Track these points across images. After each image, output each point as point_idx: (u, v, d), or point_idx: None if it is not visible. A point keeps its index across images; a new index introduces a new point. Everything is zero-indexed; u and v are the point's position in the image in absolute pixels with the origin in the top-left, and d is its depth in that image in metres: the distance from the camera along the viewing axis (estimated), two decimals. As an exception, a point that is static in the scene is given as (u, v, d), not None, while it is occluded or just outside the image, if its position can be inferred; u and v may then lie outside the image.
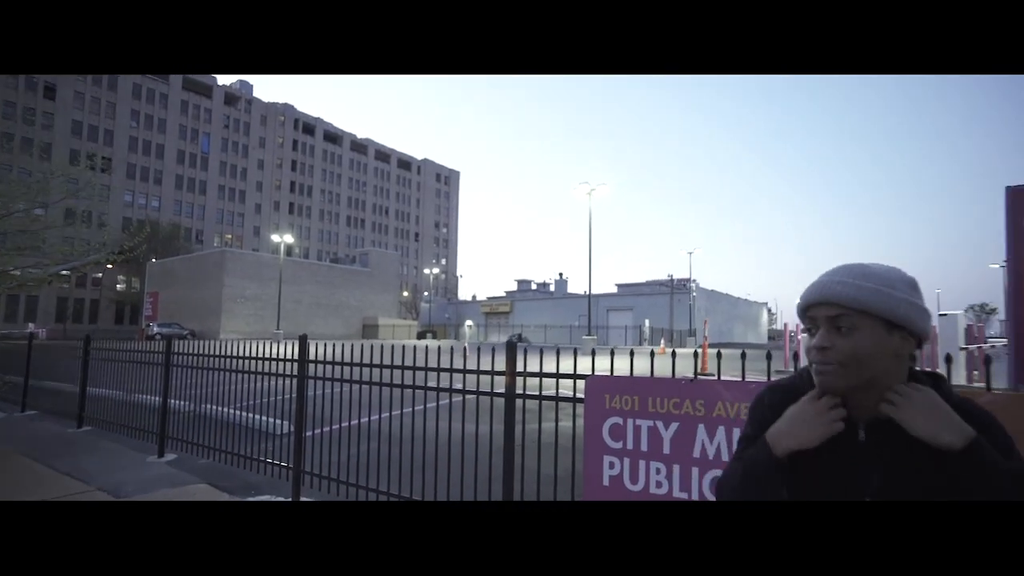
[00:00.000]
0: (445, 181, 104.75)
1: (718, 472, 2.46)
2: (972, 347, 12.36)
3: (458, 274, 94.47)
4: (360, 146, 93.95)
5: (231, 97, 77.97)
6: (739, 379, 2.57)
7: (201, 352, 5.70)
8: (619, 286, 62.58)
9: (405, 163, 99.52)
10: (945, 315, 12.87)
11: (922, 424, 0.94)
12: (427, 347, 4.50)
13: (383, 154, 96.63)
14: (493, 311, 64.00)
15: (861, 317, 0.98)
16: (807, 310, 1.05)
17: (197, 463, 5.39)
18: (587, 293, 25.85)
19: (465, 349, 4.91)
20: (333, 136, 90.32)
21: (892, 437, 0.98)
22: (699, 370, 13.90)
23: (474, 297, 75.57)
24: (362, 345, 4.88)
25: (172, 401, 5.91)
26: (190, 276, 48.60)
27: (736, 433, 2.44)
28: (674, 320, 46.86)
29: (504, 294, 72.77)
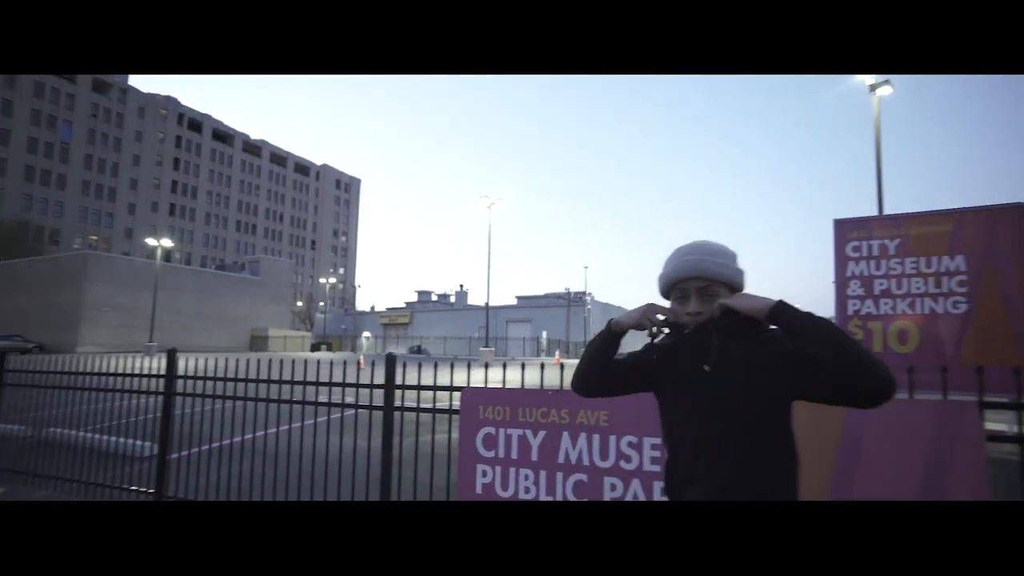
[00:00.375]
0: (345, 188, 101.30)
1: (582, 476, 2.67)
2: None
3: (356, 284, 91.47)
4: (253, 147, 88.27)
5: (101, 84, 70.11)
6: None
7: (45, 369, 5.09)
8: (519, 298, 63.82)
9: (303, 168, 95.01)
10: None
11: (745, 303, 1.29)
12: (319, 360, 4.36)
13: (279, 157, 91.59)
14: (392, 322, 62.62)
15: (719, 286, 1.35)
16: (677, 283, 1.39)
17: (32, 496, 4.77)
18: (486, 305, 26.15)
19: (359, 361, 4.83)
20: (223, 135, 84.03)
21: (727, 339, 1.33)
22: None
23: (372, 308, 73.46)
24: (246, 360, 4.64)
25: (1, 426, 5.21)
26: (40, 281, 42.68)
27: (597, 439, 2.67)
28: (570, 332, 48.60)
29: (404, 305, 71.48)
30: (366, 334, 63.55)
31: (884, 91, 12.41)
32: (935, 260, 7.10)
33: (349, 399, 3.65)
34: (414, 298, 71.34)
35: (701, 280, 1.35)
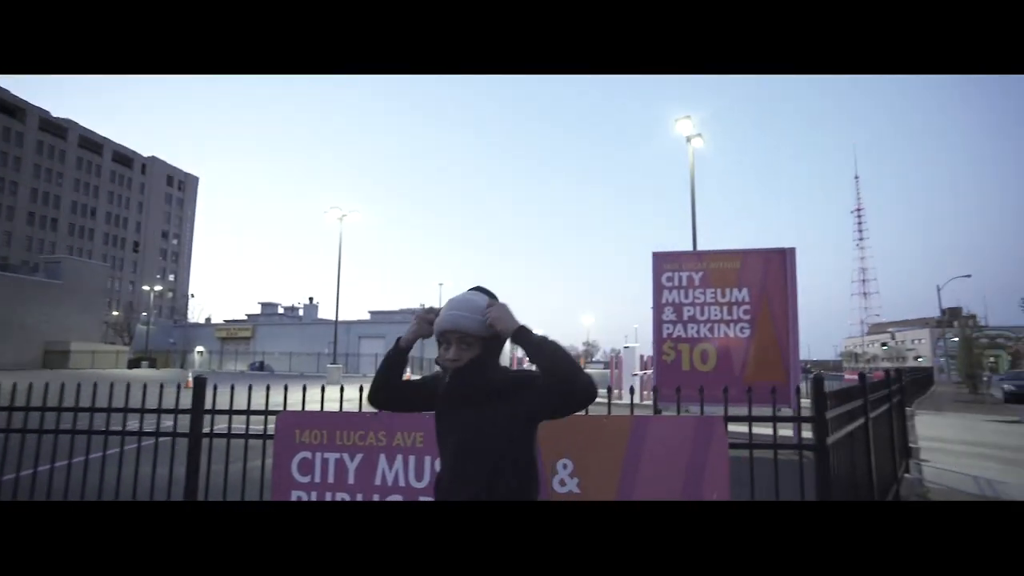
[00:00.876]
0: (179, 186, 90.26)
1: (397, 497, 2.72)
2: (643, 373, 15.73)
3: (190, 293, 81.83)
4: (55, 127, 74.76)
5: None
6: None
7: None
8: (372, 313, 61.97)
9: (125, 158, 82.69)
10: (627, 347, 16.15)
11: (500, 325, 1.57)
12: (129, 381, 3.83)
13: (92, 143, 78.73)
14: (231, 336, 56.90)
15: (475, 337, 1.60)
16: (442, 333, 1.63)
17: None
18: (335, 319, 25.05)
19: (188, 381, 4.35)
20: (10, 107, 70.22)
21: (475, 377, 1.61)
22: None
23: (208, 320, 66.16)
24: (28, 382, 3.94)
25: None
26: None
27: (412, 460, 2.75)
28: (424, 348, 48.29)
29: (245, 317, 65.52)
30: (199, 349, 56.98)
31: (697, 143, 14.38)
32: (728, 291, 8.40)
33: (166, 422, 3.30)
34: (257, 310, 65.65)
35: (457, 332, 1.60)
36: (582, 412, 1.71)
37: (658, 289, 8.47)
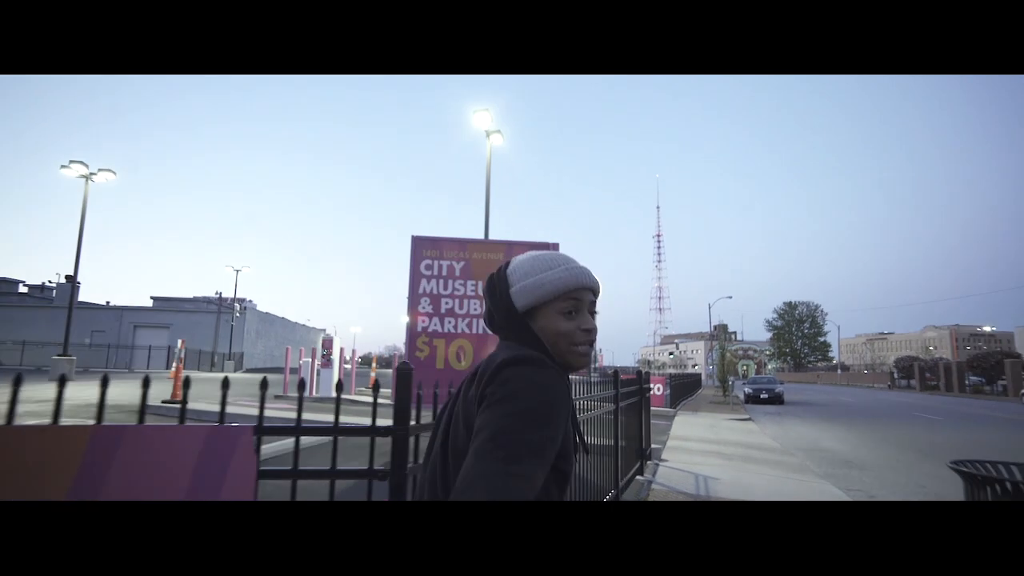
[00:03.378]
0: None
1: None
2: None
3: None
4: None
5: None
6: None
7: None
8: (155, 299, 52.99)
9: None
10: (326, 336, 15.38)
11: None
12: None
13: None
14: (-60, 319, 44.09)
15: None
16: (574, 291, 1.08)
17: None
18: (70, 301, 20.31)
19: None
20: None
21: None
22: (172, 397, 12.10)
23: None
24: None
25: None
26: None
27: None
28: (218, 342, 42.51)
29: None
30: None
31: (496, 140, 14.09)
32: None
33: None
34: (-11, 287, 51.74)
35: (592, 293, 1.14)
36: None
37: (415, 278, 7.58)
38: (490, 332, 6.38)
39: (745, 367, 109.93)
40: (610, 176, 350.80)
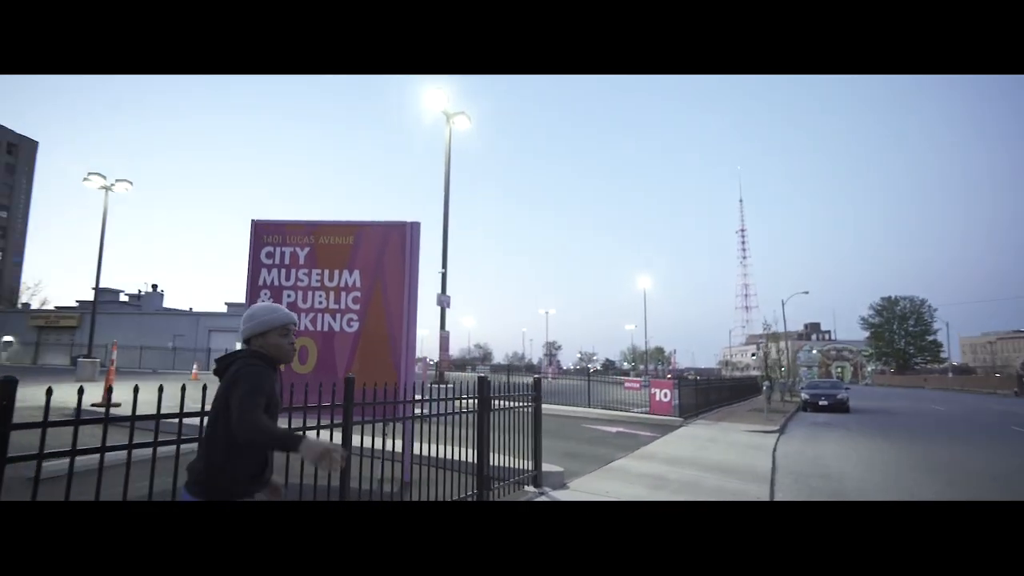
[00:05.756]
0: (9, 149, 77.15)
1: None
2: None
3: (22, 274, 70.96)
4: None
5: None
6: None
7: None
8: (229, 305, 56.44)
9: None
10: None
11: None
12: None
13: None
14: (50, 324, 49.54)
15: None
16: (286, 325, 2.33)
17: None
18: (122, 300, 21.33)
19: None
20: None
21: None
22: (104, 401, 11.98)
23: (26, 305, 57.40)
24: None
25: None
26: None
27: None
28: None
29: (76, 304, 57.42)
30: (7, 338, 49.26)
31: (460, 123, 12.91)
32: (336, 274, 6.55)
33: None
34: (90, 296, 57.62)
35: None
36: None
37: (255, 267, 6.60)
38: (336, 330, 5.25)
39: (840, 369, 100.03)
40: (682, 172, 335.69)
